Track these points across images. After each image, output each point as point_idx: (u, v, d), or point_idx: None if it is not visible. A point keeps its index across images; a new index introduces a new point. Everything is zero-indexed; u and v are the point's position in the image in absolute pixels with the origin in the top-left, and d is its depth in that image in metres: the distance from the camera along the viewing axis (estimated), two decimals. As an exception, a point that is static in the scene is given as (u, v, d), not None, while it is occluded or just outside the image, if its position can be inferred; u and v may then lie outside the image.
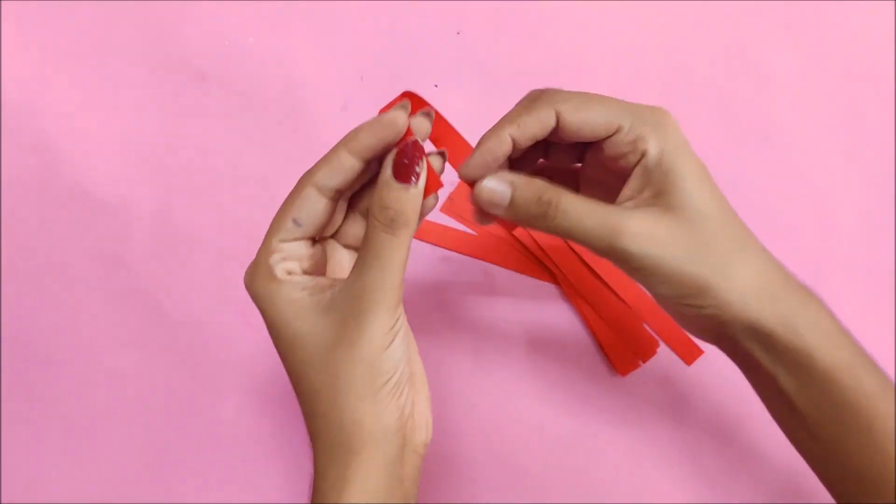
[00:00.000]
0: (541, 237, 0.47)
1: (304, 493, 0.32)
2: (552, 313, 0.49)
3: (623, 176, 0.31)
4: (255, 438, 0.50)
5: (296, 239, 0.31)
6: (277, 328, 0.30)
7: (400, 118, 0.29)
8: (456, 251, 0.49)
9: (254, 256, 0.32)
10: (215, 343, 0.50)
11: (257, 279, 0.31)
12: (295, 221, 0.31)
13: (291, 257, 0.31)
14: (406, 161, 0.29)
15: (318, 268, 0.33)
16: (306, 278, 0.31)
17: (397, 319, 0.30)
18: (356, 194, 0.34)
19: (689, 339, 0.47)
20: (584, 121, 0.30)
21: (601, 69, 0.48)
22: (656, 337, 0.48)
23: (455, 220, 0.49)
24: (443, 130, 0.32)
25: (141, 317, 0.51)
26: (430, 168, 0.30)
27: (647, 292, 0.32)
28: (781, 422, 0.34)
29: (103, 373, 0.51)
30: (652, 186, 0.30)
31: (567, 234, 0.30)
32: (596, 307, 0.48)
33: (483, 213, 0.32)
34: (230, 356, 0.50)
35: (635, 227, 0.29)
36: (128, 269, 0.51)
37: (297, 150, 0.50)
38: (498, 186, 0.30)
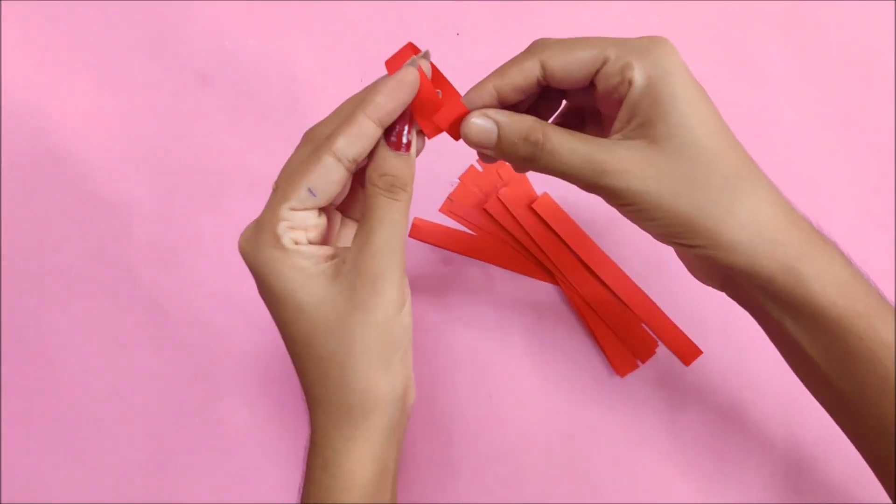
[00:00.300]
0: (541, 237, 0.47)
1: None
2: (552, 313, 0.49)
3: (613, 112, 0.30)
4: (254, 438, 0.50)
5: (307, 209, 0.30)
6: (282, 297, 0.30)
7: (412, 74, 0.29)
8: (456, 251, 0.49)
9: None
10: (215, 343, 0.50)
11: (261, 247, 0.30)
12: (310, 191, 0.29)
13: (299, 227, 0.30)
14: (398, 129, 0.30)
15: (322, 237, 0.32)
16: (313, 248, 0.30)
17: (405, 284, 0.30)
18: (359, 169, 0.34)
19: (688, 340, 0.48)
20: (569, 62, 0.29)
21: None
22: (655, 337, 0.48)
23: (455, 221, 0.49)
24: (437, 79, 0.31)
25: (141, 317, 0.51)
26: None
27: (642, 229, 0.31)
28: (796, 370, 0.33)
29: (103, 373, 0.51)
30: (639, 116, 0.28)
31: (555, 173, 0.29)
32: (595, 307, 0.48)
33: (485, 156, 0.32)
34: (230, 356, 0.50)
35: (618, 163, 0.28)
36: (128, 269, 0.51)
37: (296, 151, 0.50)
38: (485, 124, 0.30)
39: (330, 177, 0.29)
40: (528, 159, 0.30)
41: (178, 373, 0.51)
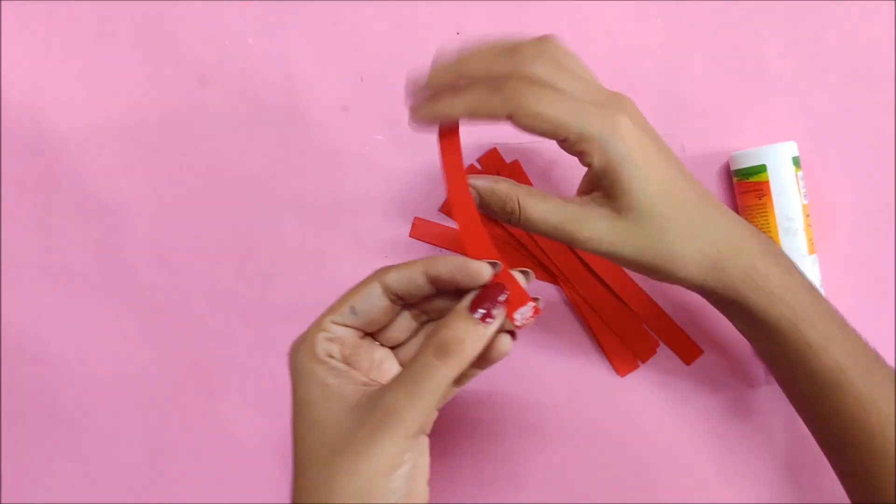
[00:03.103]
0: (541, 237, 0.47)
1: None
2: (552, 313, 0.49)
3: None
4: (254, 438, 0.50)
5: (346, 325, 0.31)
6: (302, 408, 0.30)
7: (485, 272, 0.30)
8: (456, 251, 0.49)
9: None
10: (215, 343, 0.50)
11: (300, 353, 0.30)
12: (352, 309, 0.31)
13: (336, 340, 0.31)
14: (488, 302, 0.29)
15: (359, 362, 0.32)
16: (344, 367, 0.30)
17: (410, 450, 0.29)
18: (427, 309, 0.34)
19: (689, 340, 0.48)
20: (532, 128, 0.31)
21: (601, 69, 0.48)
22: (656, 337, 0.48)
23: (455, 220, 0.49)
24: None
25: (141, 317, 0.51)
26: (515, 295, 0.30)
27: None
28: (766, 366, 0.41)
29: (103, 373, 0.51)
30: (601, 190, 0.33)
31: (533, 231, 0.34)
32: (595, 307, 0.48)
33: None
34: (230, 356, 0.50)
35: (586, 232, 0.33)
36: (128, 269, 0.51)
37: (296, 151, 0.50)
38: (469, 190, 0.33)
39: (372, 302, 0.31)
40: (507, 221, 0.34)
41: (177, 372, 0.51)
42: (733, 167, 0.47)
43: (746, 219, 0.46)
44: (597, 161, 0.32)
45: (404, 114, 0.49)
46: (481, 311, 0.29)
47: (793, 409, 0.38)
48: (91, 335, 0.51)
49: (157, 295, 0.51)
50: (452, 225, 0.49)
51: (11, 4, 0.51)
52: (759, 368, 0.48)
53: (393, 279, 0.31)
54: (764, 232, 0.45)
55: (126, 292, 0.51)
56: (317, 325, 0.31)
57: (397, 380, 0.29)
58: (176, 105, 0.50)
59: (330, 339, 0.31)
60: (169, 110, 0.50)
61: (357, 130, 0.49)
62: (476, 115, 0.32)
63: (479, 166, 0.49)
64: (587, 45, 0.48)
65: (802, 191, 0.45)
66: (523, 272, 0.31)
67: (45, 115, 0.51)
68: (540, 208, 0.33)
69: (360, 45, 0.49)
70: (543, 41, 0.33)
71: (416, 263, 0.31)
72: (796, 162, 0.45)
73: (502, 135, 0.49)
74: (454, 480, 0.49)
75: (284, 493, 0.50)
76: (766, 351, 0.37)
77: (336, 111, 0.49)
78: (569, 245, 0.34)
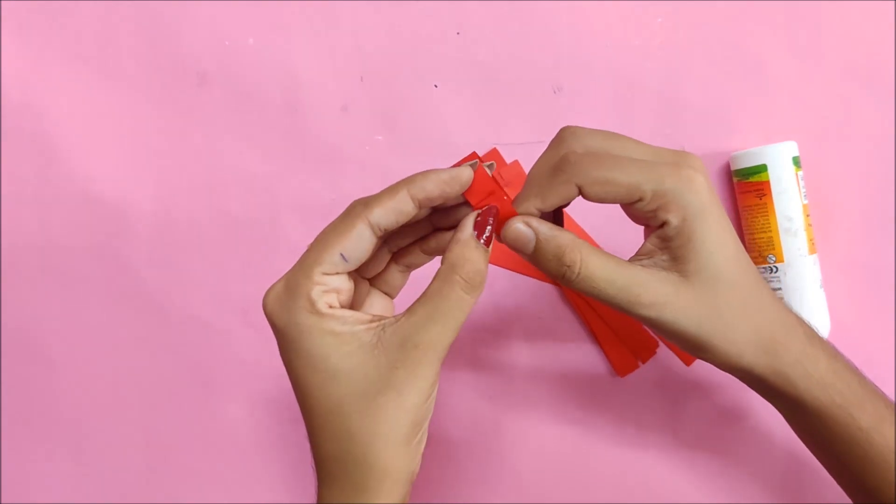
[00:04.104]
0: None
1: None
2: (552, 314, 0.49)
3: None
4: (254, 438, 0.50)
5: (338, 273, 0.30)
6: (314, 362, 0.29)
7: (467, 174, 0.30)
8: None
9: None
10: (215, 343, 0.50)
11: (294, 310, 0.29)
12: (342, 256, 0.30)
13: (331, 290, 0.30)
14: (489, 224, 0.30)
15: (350, 302, 0.32)
16: (349, 313, 0.30)
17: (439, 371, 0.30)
18: (399, 248, 0.34)
19: (689, 340, 0.47)
20: (605, 194, 0.30)
21: (601, 69, 0.48)
22: (655, 337, 0.48)
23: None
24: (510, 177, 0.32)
25: (141, 317, 0.51)
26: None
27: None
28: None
29: (103, 373, 0.51)
30: (670, 251, 0.31)
31: (584, 292, 0.31)
32: (596, 308, 0.48)
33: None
34: (230, 356, 0.50)
35: (652, 297, 0.30)
36: (128, 269, 0.51)
37: (297, 151, 0.50)
38: (525, 232, 0.31)
39: (361, 244, 0.30)
40: (559, 277, 0.31)
41: (177, 373, 0.51)
42: (733, 167, 0.47)
43: (746, 219, 0.46)
44: (674, 217, 0.30)
45: (404, 114, 0.50)
46: (485, 235, 0.30)
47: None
48: (91, 335, 0.51)
49: (157, 295, 0.51)
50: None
51: (11, 5, 0.51)
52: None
53: (380, 216, 0.30)
54: (764, 232, 0.45)
55: (126, 292, 0.51)
56: (307, 279, 0.30)
57: (428, 317, 0.29)
58: (176, 105, 0.50)
59: (326, 291, 0.30)
60: (169, 110, 0.50)
61: (357, 130, 0.49)
62: (546, 199, 0.31)
63: (479, 166, 0.49)
64: (587, 45, 0.48)
65: (802, 191, 0.45)
66: (488, 165, 0.32)
67: (45, 115, 0.51)
68: (605, 267, 0.31)
69: (360, 45, 0.49)
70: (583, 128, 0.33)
71: (398, 191, 0.30)
72: (796, 162, 0.45)
73: (502, 135, 0.49)
74: (454, 480, 0.49)
75: (284, 493, 0.50)
76: (815, 436, 0.35)
77: (336, 111, 0.49)
78: (625, 310, 0.31)
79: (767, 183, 0.45)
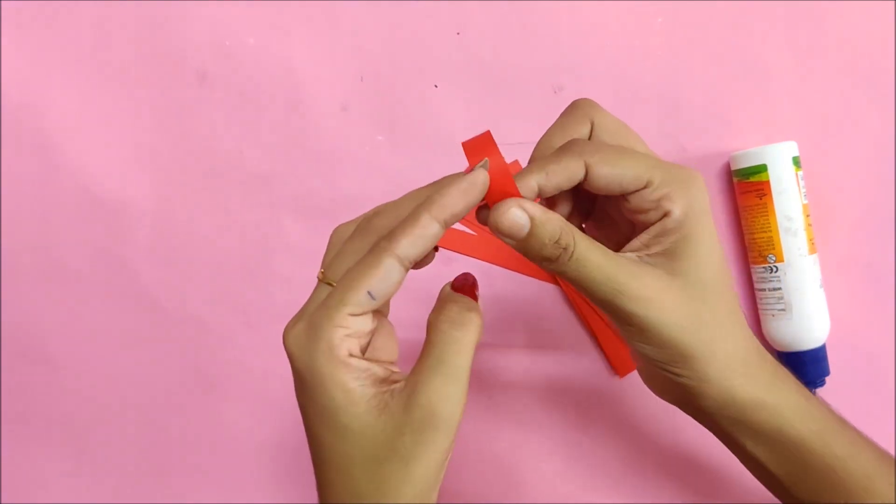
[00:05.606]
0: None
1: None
2: (552, 314, 0.49)
3: (634, 222, 0.31)
4: (253, 438, 0.50)
5: (364, 313, 0.28)
6: (325, 413, 0.28)
7: (483, 177, 0.28)
8: (456, 251, 0.49)
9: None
10: (215, 343, 0.50)
11: (314, 354, 0.28)
12: (370, 294, 0.27)
13: (354, 334, 0.28)
14: (468, 286, 0.31)
15: (375, 347, 0.30)
16: (364, 365, 0.28)
17: (453, 441, 0.28)
18: None
19: (689, 340, 0.47)
20: (613, 175, 0.29)
21: (601, 69, 0.48)
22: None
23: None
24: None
25: (141, 317, 0.51)
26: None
27: (631, 350, 0.33)
28: (760, 479, 0.35)
29: (103, 373, 0.51)
30: (664, 246, 0.30)
31: (572, 280, 0.29)
32: (596, 308, 0.48)
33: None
34: (229, 356, 0.50)
35: (639, 290, 0.29)
36: (128, 269, 0.51)
37: (297, 150, 0.50)
38: (520, 217, 0.29)
39: (391, 280, 0.28)
40: (551, 260, 0.29)
41: (176, 372, 0.51)
42: (733, 167, 0.47)
43: (746, 218, 0.46)
44: (678, 209, 0.29)
45: (404, 114, 0.50)
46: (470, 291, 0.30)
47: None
48: (91, 335, 0.51)
49: (157, 295, 0.51)
50: (453, 225, 0.49)
51: (11, 5, 0.51)
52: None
53: (407, 247, 0.28)
54: (764, 232, 0.45)
55: (126, 292, 0.51)
56: (330, 322, 0.27)
57: (426, 367, 0.28)
58: (176, 105, 0.50)
59: (348, 336, 0.28)
60: (169, 110, 0.50)
61: (357, 130, 0.49)
62: (552, 175, 0.29)
63: (479, 166, 0.49)
64: (587, 45, 0.48)
65: (802, 191, 0.45)
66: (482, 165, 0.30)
67: (45, 115, 0.51)
68: (596, 250, 0.29)
69: (360, 45, 0.49)
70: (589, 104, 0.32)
71: (419, 218, 0.28)
72: (796, 162, 0.45)
73: (502, 135, 0.49)
74: (454, 481, 0.49)
75: (284, 493, 0.50)
76: (788, 470, 0.33)
77: (336, 111, 0.49)
78: (610, 303, 0.29)
79: (767, 183, 0.45)
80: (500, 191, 0.29)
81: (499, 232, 0.30)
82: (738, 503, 0.48)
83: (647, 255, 0.30)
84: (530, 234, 0.29)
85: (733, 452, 0.34)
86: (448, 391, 0.28)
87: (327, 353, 0.27)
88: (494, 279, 0.49)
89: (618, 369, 0.48)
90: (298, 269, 0.50)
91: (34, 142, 0.51)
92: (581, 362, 0.49)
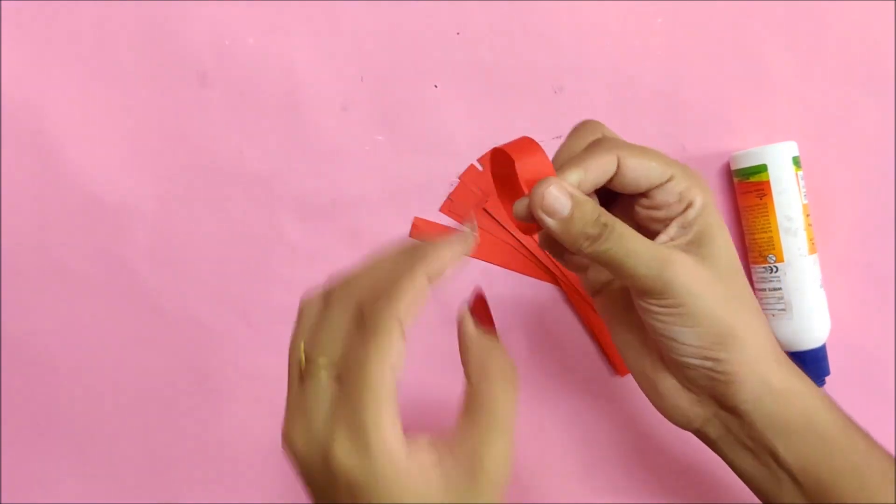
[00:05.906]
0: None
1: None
2: (552, 314, 0.49)
3: (650, 223, 0.32)
4: (254, 438, 0.50)
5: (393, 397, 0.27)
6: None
7: (472, 239, 0.30)
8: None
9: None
10: (215, 344, 0.50)
11: (378, 463, 0.25)
12: (392, 369, 0.26)
13: (397, 418, 0.26)
14: (486, 312, 0.31)
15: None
16: (417, 447, 0.27)
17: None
18: None
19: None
20: (643, 168, 0.30)
21: (601, 69, 0.48)
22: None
23: (455, 220, 0.49)
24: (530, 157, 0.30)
25: (141, 317, 0.51)
26: None
27: (668, 352, 0.32)
28: (768, 491, 0.34)
29: (104, 374, 0.51)
30: (689, 236, 0.31)
31: (614, 259, 0.29)
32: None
33: (525, 223, 0.31)
34: (230, 357, 0.50)
35: (684, 262, 0.30)
36: (128, 270, 0.51)
37: (297, 151, 0.50)
38: (561, 195, 0.29)
39: (402, 349, 0.26)
40: (594, 238, 0.29)
41: (176, 372, 0.51)
42: (733, 167, 0.47)
43: (746, 219, 0.46)
44: (699, 199, 0.31)
45: (404, 114, 0.50)
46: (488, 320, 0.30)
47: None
48: (91, 336, 0.51)
49: (157, 295, 0.51)
50: (453, 225, 0.49)
51: (11, 5, 0.51)
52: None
53: (408, 310, 0.27)
54: (764, 232, 0.45)
55: (126, 292, 0.51)
56: (376, 425, 0.25)
57: (488, 434, 0.27)
58: (176, 105, 0.50)
59: (394, 423, 0.26)
60: (169, 110, 0.50)
61: (357, 130, 0.49)
62: (589, 169, 0.30)
63: (479, 167, 0.49)
64: (587, 45, 0.48)
65: (802, 191, 0.45)
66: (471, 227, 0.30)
67: (45, 115, 0.51)
68: (631, 230, 0.29)
69: (360, 45, 0.49)
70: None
71: (413, 278, 0.27)
72: (796, 162, 0.45)
73: (502, 135, 0.49)
74: (454, 480, 0.49)
75: (284, 493, 0.50)
76: (808, 465, 0.32)
77: (336, 111, 0.49)
78: (653, 280, 0.29)
79: (767, 183, 0.45)
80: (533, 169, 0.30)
81: (542, 210, 0.29)
82: (739, 503, 0.48)
83: (676, 244, 0.31)
84: (572, 213, 0.29)
85: (754, 476, 0.34)
86: (508, 455, 0.27)
87: (385, 449, 0.25)
88: (494, 279, 0.49)
89: (618, 369, 0.48)
90: (298, 270, 0.50)
91: (34, 142, 0.51)
92: (581, 362, 0.49)
